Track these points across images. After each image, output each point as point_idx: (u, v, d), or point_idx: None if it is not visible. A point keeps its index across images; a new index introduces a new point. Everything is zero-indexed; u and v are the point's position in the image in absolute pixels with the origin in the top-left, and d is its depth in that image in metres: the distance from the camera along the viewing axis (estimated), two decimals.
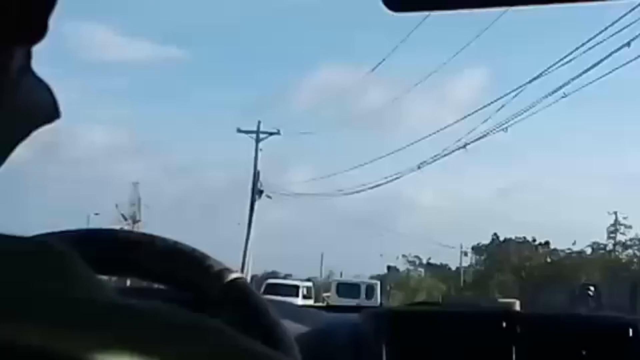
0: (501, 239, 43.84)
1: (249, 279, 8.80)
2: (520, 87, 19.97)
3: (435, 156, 24.03)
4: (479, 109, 22.65)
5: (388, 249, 54.10)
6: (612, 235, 39.89)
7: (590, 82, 17.82)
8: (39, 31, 0.46)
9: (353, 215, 51.54)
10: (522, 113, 19.73)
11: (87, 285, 0.39)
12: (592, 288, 25.56)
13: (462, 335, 1.68)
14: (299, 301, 20.97)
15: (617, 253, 39.67)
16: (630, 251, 39.31)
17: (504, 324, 1.67)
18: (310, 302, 24.58)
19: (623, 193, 53.36)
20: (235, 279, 0.96)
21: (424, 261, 51.47)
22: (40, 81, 0.49)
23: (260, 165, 33.14)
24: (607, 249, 40.11)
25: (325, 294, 34.22)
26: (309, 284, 31.37)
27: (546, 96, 18.90)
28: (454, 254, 48.52)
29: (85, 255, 0.40)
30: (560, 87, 18.41)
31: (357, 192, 30.73)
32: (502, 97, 20.62)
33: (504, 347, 1.65)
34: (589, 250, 40.08)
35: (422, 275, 50.94)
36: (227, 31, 61.75)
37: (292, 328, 1.15)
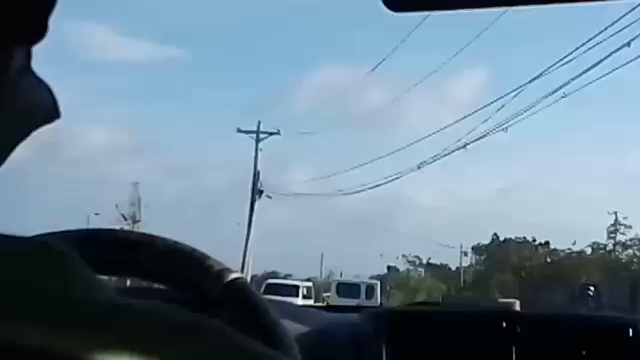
0: (501, 239, 43.85)
1: (249, 279, 8.80)
2: (520, 87, 19.98)
3: (435, 156, 24.04)
4: (479, 109, 22.66)
5: (388, 249, 54.21)
6: (612, 235, 39.92)
7: (590, 82, 17.83)
8: (39, 31, 0.46)
9: (353, 215, 51.62)
10: (522, 113, 19.74)
11: (87, 285, 0.39)
12: (592, 288, 25.57)
13: (462, 335, 1.68)
14: (299, 301, 20.97)
15: (617, 253, 39.66)
16: (630, 251, 39.31)
17: (504, 324, 1.67)
18: (310, 302, 24.58)
19: (623, 193, 53.45)
20: (235, 279, 0.96)
21: (424, 261, 51.51)
22: (40, 81, 0.49)
23: (260, 165, 33.16)
24: (607, 249, 40.11)
25: (325, 294, 34.21)
26: (309, 284, 31.36)
27: (546, 96, 18.90)
28: (454, 254, 48.58)
29: (85, 255, 0.40)
30: (560, 87, 18.41)
31: (357, 192, 30.75)
32: (502, 97, 20.63)
33: (504, 347, 1.65)
34: (589, 250, 40.11)
35: (422, 275, 50.92)
36: (227, 31, 61.84)
37: (292, 328, 1.15)
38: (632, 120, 53.54)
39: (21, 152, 0.48)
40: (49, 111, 0.50)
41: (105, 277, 0.96)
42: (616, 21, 15.95)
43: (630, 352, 1.66)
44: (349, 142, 62.77)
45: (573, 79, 17.93)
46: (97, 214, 37.03)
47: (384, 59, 30.01)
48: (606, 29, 16.27)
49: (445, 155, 23.29)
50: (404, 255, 50.54)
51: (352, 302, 23.82)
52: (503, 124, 20.26)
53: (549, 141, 56.33)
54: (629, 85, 42.89)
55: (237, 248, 31.31)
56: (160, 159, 62.46)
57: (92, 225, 1.72)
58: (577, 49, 17.39)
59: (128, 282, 2.75)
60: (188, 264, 0.96)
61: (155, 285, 1.06)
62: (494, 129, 20.67)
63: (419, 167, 24.92)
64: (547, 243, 42.02)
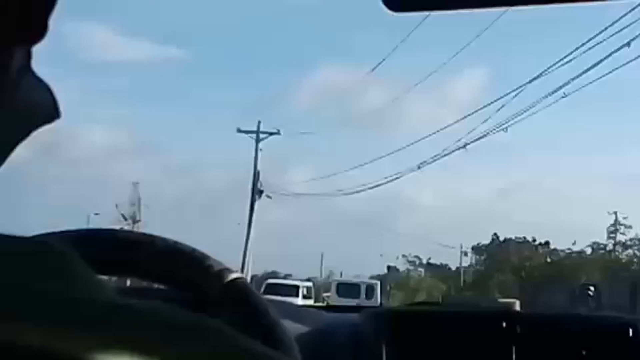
0: (501, 239, 43.84)
1: (249, 279, 8.79)
2: (520, 87, 19.98)
3: (435, 156, 24.03)
4: (479, 109, 22.66)
5: (388, 249, 54.22)
6: (612, 235, 39.91)
7: (590, 82, 17.84)
8: (39, 31, 0.46)
9: (353, 215, 51.61)
10: (522, 113, 19.74)
11: (87, 285, 0.39)
12: (592, 288, 25.57)
13: (462, 335, 1.68)
14: (299, 301, 20.96)
15: (617, 253, 39.65)
16: (630, 251, 39.30)
17: (504, 324, 1.67)
18: (310, 302, 24.57)
19: (623, 193, 53.45)
20: (235, 279, 0.96)
21: (424, 261, 51.51)
22: (40, 81, 0.49)
23: (260, 165, 33.15)
24: (607, 249, 40.10)
25: (325, 294, 34.21)
26: (309, 284, 31.35)
27: (546, 96, 18.90)
28: (454, 254, 48.57)
29: (85, 255, 0.40)
30: (560, 87, 18.41)
31: (357, 192, 30.74)
32: (502, 97, 20.63)
33: (504, 347, 1.65)
34: (589, 250, 40.10)
35: (422, 275, 50.91)
36: (227, 31, 61.85)
37: (292, 328, 1.15)
38: (632, 120, 53.61)
39: (21, 152, 0.48)
40: (49, 111, 0.50)
41: (105, 277, 0.96)
42: (616, 21, 15.96)
43: (630, 352, 1.66)
44: (349, 142, 62.87)
45: (573, 79, 17.95)
46: (97, 214, 37.09)
47: (384, 59, 30.04)
48: (606, 29, 16.29)
49: (445, 155, 23.31)
50: (404, 255, 50.61)
51: (352, 302, 23.82)
52: (503, 124, 20.28)
53: (549, 141, 56.43)
54: (629, 85, 42.94)
55: (237, 248, 31.34)
56: (160, 159, 62.58)
57: (92, 225, 1.71)
58: (577, 49, 17.41)
59: (128, 282, 2.75)
60: (188, 264, 0.96)
61: (155, 285, 1.06)
62: (494, 129, 20.69)
63: (419, 167, 24.94)
64: (547, 243, 42.05)
